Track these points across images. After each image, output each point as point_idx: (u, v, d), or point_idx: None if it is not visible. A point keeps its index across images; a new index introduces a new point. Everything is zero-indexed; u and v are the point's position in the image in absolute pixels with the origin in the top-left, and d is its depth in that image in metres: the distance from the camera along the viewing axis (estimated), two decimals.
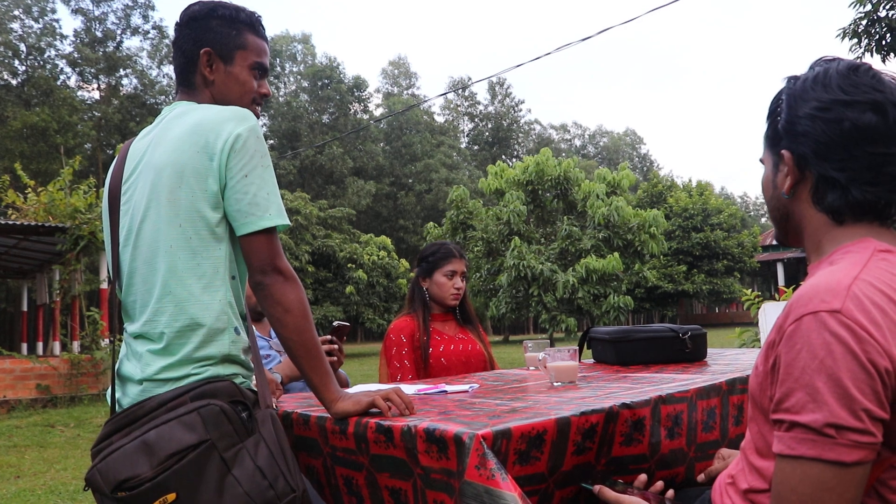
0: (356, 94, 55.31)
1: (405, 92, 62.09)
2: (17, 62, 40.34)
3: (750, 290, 6.25)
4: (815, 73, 1.27)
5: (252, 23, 1.88)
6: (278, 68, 54.71)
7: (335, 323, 2.59)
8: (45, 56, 41.84)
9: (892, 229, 1.26)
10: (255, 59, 1.87)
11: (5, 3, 39.07)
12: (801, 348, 1.08)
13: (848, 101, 1.21)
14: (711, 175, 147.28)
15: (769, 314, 2.72)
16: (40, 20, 41.38)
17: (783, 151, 1.28)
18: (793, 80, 1.31)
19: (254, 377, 1.74)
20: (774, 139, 1.32)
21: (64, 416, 10.38)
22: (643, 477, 1.61)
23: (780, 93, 1.33)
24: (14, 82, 39.94)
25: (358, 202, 47.13)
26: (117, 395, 1.71)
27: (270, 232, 1.67)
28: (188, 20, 1.85)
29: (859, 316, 1.07)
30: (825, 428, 1.04)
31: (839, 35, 12.10)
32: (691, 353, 2.65)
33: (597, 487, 1.52)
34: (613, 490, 1.50)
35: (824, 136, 1.22)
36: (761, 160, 1.40)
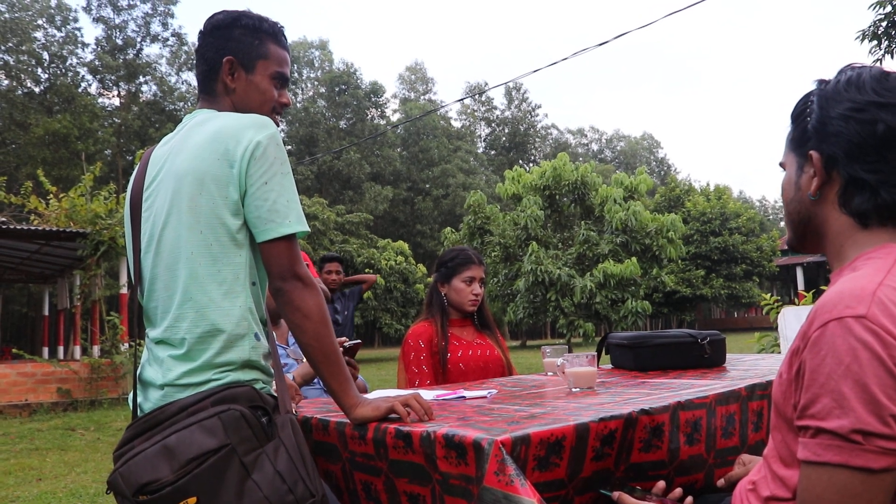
0: (373, 99, 55.50)
1: (422, 97, 62.22)
2: (39, 70, 40.86)
3: (769, 295, 6.22)
4: (848, 77, 1.26)
5: (274, 33, 1.90)
6: (296, 74, 54.98)
7: (346, 343, 2.56)
8: (67, 64, 42.35)
9: None
10: (276, 68, 1.88)
11: (29, 13, 39.55)
12: (826, 354, 1.07)
13: (883, 103, 1.20)
14: (729, 178, 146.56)
15: (789, 319, 2.71)
16: (63, 29, 41.91)
17: (811, 152, 1.26)
18: (823, 83, 1.30)
19: (274, 382, 1.75)
20: (801, 141, 1.31)
21: (84, 420, 10.47)
22: (661, 484, 1.61)
23: (807, 95, 1.32)
24: (37, 90, 40.44)
25: (375, 207, 47.25)
26: (139, 399, 1.73)
27: (290, 238, 1.68)
28: (212, 29, 1.87)
29: (885, 321, 1.06)
30: (852, 434, 1.02)
31: (858, 37, 12.01)
32: (710, 359, 2.64)
33: (616, 494, 1.52)
34: (632, 497, 1.50)
35: (857, 137, 1.21)
36: (782, 164, 1.39)
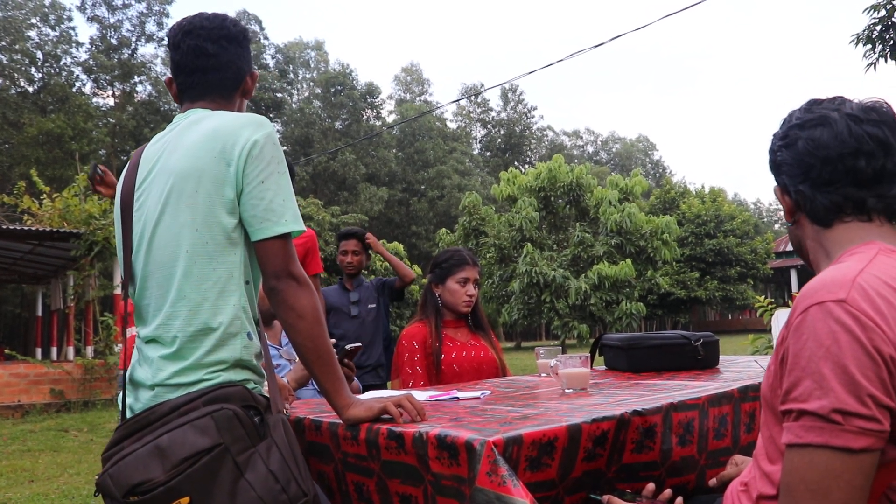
0: (369, 100, 55.43)
1: (418, 98, 62.20)
2: (33, 69, 40.71)
3: (763, 297, 6.24)
4: (786, 115, 1.44)
5: None
6: (291, 75, 54.95)
7: (347, 346, 2.55)
8: (62, 63, 42.20)
9: None
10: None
11: (23, 12, 39.43)
12: (807, 338, 1.11)
13: (800, 124, 1.36)
14: (724, 181, 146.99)
15: (782, 321, 2.70)
16: (57, 28, 41.75)
17: (774, 186, 1.43)
18: (796, 110, 1.44)
19: (266, 382, 1.75)
20: (774, 173, 1.45)
21: (77, 421, 10.44)
22: (651, 486, 1.61)
23: (777, 130, 1.47)
24: (31, 89, 40.29)
25: (370, 208, 47.21)
26: (129, 400, 1.72)
27: (285, 238, 1.68)
28: (243, 36, 1.92)
29: (864, 305, 1.10)
30: (832, 414, 1.06)
31: (853, 41, 12.05)
32: (703, 360, 2.65)
33: (605, 497, 1.52)
34: (622, 500, 1.50)
35: (790, 159, 1.37)
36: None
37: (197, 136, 1.70)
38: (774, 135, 1.44)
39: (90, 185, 2.67)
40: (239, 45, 1.90)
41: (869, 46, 11.91)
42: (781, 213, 1.54)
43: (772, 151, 1.43)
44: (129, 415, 1.70)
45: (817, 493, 1.07)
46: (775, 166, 1.41)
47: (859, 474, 1.06)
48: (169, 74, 1.95)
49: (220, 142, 1.67)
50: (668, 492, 1.61)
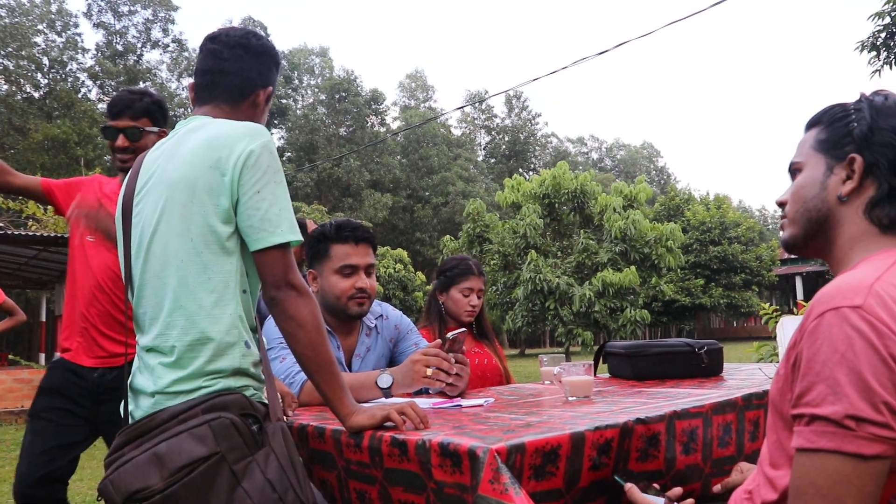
0: (373, 107, 55.56)
1: (422, 105, 62.28)
2: (39, 75, 40.87)
3: (768, 304, 6.22)
4: None
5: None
6: (296, 81, 55.09)
7: (450, 335, 2.38)
8: (67, 69, 42.38)
9: None
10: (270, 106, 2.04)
11: (30, 18, 39.61)
12: (822, 343, 1.10)
13: None
14: (729, 188, 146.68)
15: (787, 328, 2.69)
16: (63, 34, 41.95)
17: (854, 156, 1.31)
18: (878, 95, 1.36)
19: (265, 390, 1.74)
20: (836, 144, 1.35)
21: None
22: (678, 490, 1.61)
23: (844, 104, 1.38)
24: (36, 95, 40.44)
25: (375, 215, 47.27)
26: (130, 407, 1.73)
27: (283, 247, 1.68)
28: (262, 52, 1.93)
29: (881, 312, 1.09)
30: (845, 420, 1.05)
31: (857, 48, 12.05)
32: (707, 368, 2.64)
33: (628, 485, 1.53)
34: (645, 493, 1.50)
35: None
36: (797, 164, 1.42)
37: (193, 145, 1.71)
38: (882, 109, 1.32)
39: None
40: (255, 58, 1.90)
41: (874, 53, 11.91)
42: (781, 216, 1.46)
43: (872, 121, 1.31)
44: (129, 421, 1.70)
45: (828, 499, 1.07)
46: (868, 141, 1.30)
47: (870, 481, 1.05)
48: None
49: (216, 152, 1.67)
50: (678, 490, 1.61)
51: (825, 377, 1.08)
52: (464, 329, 2.49)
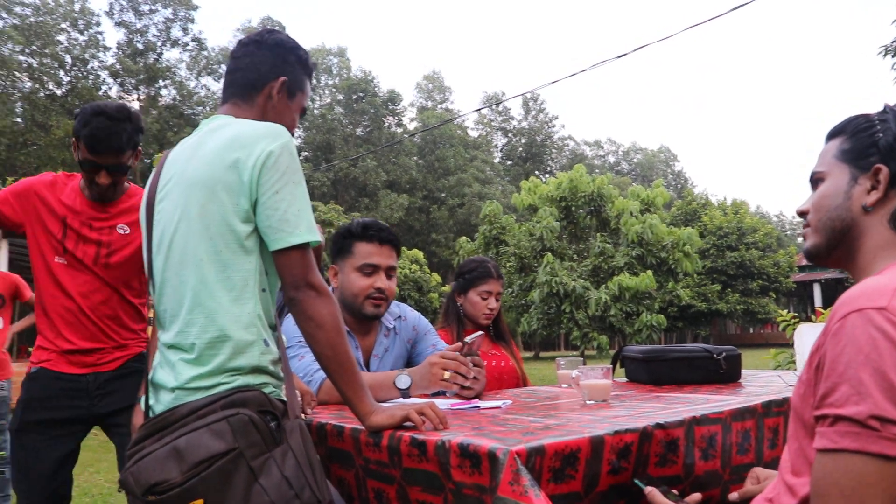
0: (390, 107, 55.66)
1: (439, 106, 62.27)
2: (62, 73, 41.24)
3: (785, 311, 6.17)
4: None
5: (311, 73, 2.05)
6: (314, 81, 55.11)
7: (468, 338, 2.39)
8: (89, 67, 42.73)
9: None
10: (305, 104, 2.04)
11: (53, 17, 39.99)
12: (846, 344, 1.10)
13: None
14: (747, 193, 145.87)
15: (805, 336, 2.68)
16: (85, 32, 42.31)
17: (879, 166, 1.32)
18: None
19: (284, 387, 1.76)
20: (861, 154, 1.36)
21: None
22: (697, 496, 1.61)
23: (867, 115, 1.39)
24: (59, 92, 40.80)
25: (391, 215, 47.33)
26: (151, 401, 1.75)
27: (303, 248, 1.69)
28: (275, 44, 1.94)
29: None
30: (869, 420, 1.05)
31: (881, 52, 11.95)
32: (725, 374, 2.63)
33: (649, 488, 1.53)
34: (666, 498, 1.50)
35: None
36: (819, 174, 1.43)
37: (214, 145, 1.72)
38: None
39: None
40: (269, 51, 1.92)
41: None
42: (803, 226, 1.48)
43: (890, 131, 1.34)
44: (150, 415, 1.72)
45: (851, 500, 1.06)
46: (891, 149, 1.33)
47: (895, 482, 1.05)
48: None
49: (235, 152, 1.68)
50: (697, 496, 1.61)
51: (849, 378, 1.08)
52: (481, 333, 2.50)
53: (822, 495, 1.10)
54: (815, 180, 1.44)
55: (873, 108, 1.38)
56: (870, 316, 1.10)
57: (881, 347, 1.07)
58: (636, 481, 1.59)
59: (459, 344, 2.39)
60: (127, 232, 2.71)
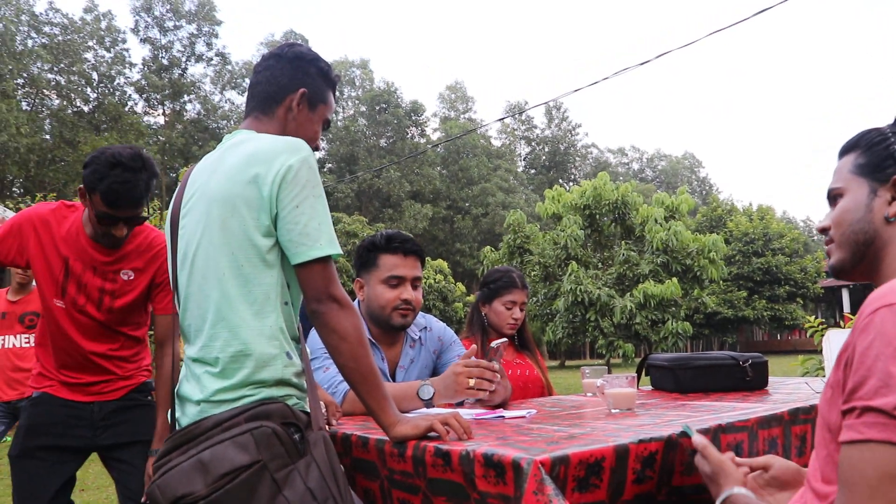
0: (413, 118, 55.86)
1: (462, 116, 62.39)
2: (89, 90, 41.91)
3: (813, 317, 6.11)
4: None
5: (335, 84, 2.04)
6: (336, 93, 55.40)
7: (493, 343, 2.39)
8: (115, 83, 43.38)
9: None
10: (328, 115, 2.03)
11: (81, 35, 40.66)
12: (874, 337, 1.10)
13: None
14: (772, 199, 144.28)
15: (833, 342, 2.65)
16: (111, 50, 43.00)
17: (883, 174, 1.35)
18: None
19: (308, 399, 1.77)
20: (877, 167, 1.37)
21: None
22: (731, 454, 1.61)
23: (882, 128, 1.41)
24: (86, 109, 41.47)
25: (415, 225, 47.45)
26: (177, 414, 1.77)
27: (324, 261, 1.69)
28: (294, 57, 1.95)
29: None
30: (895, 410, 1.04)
31: None
32: (752, 382, 2.61)
33: (698, 437, 1.56)
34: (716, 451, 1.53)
35: None
36: (837, 191, 1.44)
37: (235, 160, 1.74)
38: None
39: None
40: (288, 63, 1.94)
41: None
42: (826, 242, 1.48)
43: None
44: (176, 428, 1.74)
45: (877, 491, 1.05)
46: None
47: None
48: None
49: (254, 168, 1.69)
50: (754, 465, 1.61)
51: (877, 370, 1.08)
52: (505, 339, 2.50)
53: (848, 485, 1.09)
54: (834, 196, 1.45)
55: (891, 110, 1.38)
56: None
57: None
58: (685, 427, 1.61)
59: (474, 347, 2.39)
60: (131, 278, 2.65)
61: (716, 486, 1.50)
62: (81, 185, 2.47)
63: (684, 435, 1.66)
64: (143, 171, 2.45)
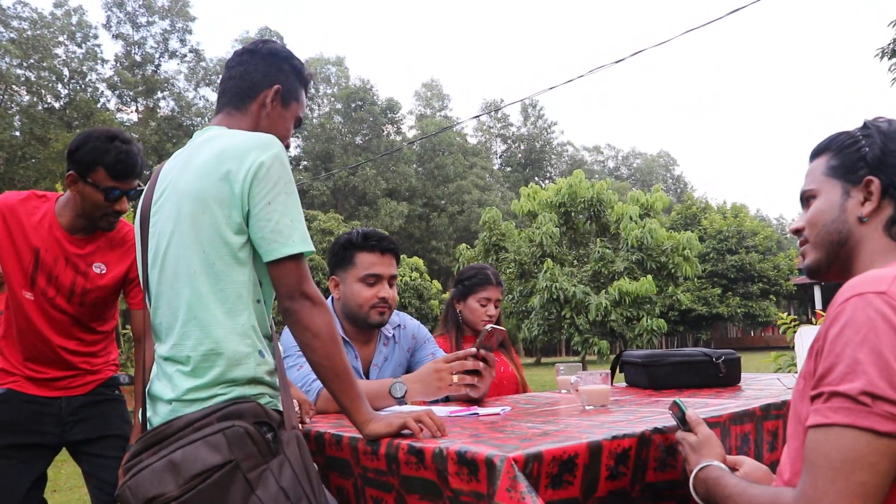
0: (389, 115, 55.71)
1: (438, 114, 62.32)
2: (60, 86, 41.32)
3: (786, 314, 6.17)
4: None
5: (307, 83, 2.03)
6: (312, 90, 55.28)
7: (488, 326, 2.35)
8: (87, 80, 42.82)
9: None
10: (300, 113, 2.02)
11: (51, 30, 40.09)
12: (845, 325, 1.13)
13: None
14: (746, 197, 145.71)
15: (805, 338, 2.67)
16: (83, 45, 42.40)
17: (871, 178, 1.37)
18: (881, 121, 1.42)
19: (280, 398, 1.75)
20: (850, 168, 1.40)
21: None
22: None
23: (850, 132, 1.44)
24: (57, 105, 40.88)
25: (391, 223, 47.34)
26: (148, 413, 1.75)
27: (297, 258, 1.69)
28: (269, 53, 1.94)
29: None
30: (861, 396, 1.07)
31: (878, 55, 11.98)
32: (725, 378, 2.63)
33: (692, 413, 1.62)
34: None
35: None
36: (810, 192, 1.46)
37: (206, 157, 1.72)
38: (890, 132, 1.39)
39: None
40: (263, 59, 1.92)
41: (894, 60, 11.84)
42: (800, 243, 1.51)
43: (884, 145, 1.37)
44: (147, 428, 1.72)
45: (840, 473, 1.08)
46: (882, 163, 1.36)
47: (884, 459, 1.07)
48: None
49: (226, 164, 1.68)
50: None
51: (845, 357, 1.11)
52: (502, 328, 2.48)
53: (812, 466, 1.12)
54: (807, 198, 1.48)
55: (875, 110, 1.40)
56: (869, 299, 1.13)
57: (879, 329, 1.10)
58: (677, 401, 1.64)
59: (473, 350, 2.37)
60: (103, 272, 2.62)
61: (697, 455, 1.53)
62: (71, 172, 2.45)
63: (657, 431, 1.67)
64: (134, 144, 2.52)
